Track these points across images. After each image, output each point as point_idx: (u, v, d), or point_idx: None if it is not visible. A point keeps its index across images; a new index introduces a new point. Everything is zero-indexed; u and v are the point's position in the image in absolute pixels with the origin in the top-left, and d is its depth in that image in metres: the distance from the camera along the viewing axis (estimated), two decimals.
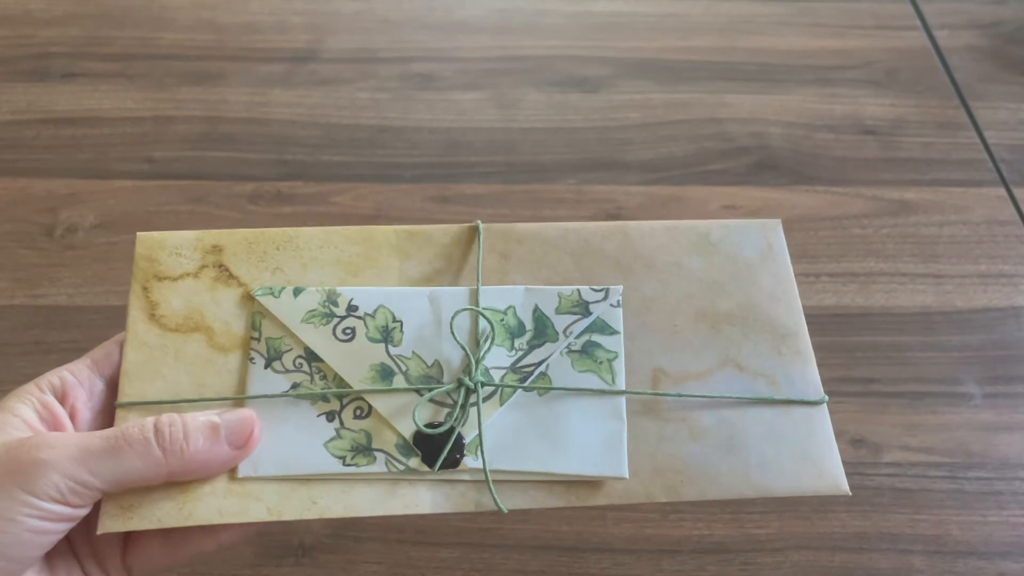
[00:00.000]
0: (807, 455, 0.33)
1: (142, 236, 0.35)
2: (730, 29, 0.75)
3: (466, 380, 0.33)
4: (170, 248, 0.35)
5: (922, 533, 0.48)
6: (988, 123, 0.69)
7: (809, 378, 0.34)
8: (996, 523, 0.49)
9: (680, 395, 0.33)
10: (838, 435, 0.51)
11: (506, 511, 0.32)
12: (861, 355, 0.55)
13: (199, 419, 0.31)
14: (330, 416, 0.33)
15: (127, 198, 0.61)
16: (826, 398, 0.34)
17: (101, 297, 0.56)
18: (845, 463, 0.50)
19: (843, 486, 0.33)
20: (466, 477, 0.32)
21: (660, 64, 0.72)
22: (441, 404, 0.33)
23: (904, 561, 0.47)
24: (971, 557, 0.47)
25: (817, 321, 0.57)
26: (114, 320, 0.54)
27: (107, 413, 0.33)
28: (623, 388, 0.33)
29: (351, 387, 0.33)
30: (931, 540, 0.48)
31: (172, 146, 0.64)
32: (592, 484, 0.32)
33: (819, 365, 0.54)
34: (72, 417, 0.32)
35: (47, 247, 0.58)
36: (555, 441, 0.32)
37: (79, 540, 0.33)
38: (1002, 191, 0.64)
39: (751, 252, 0.36)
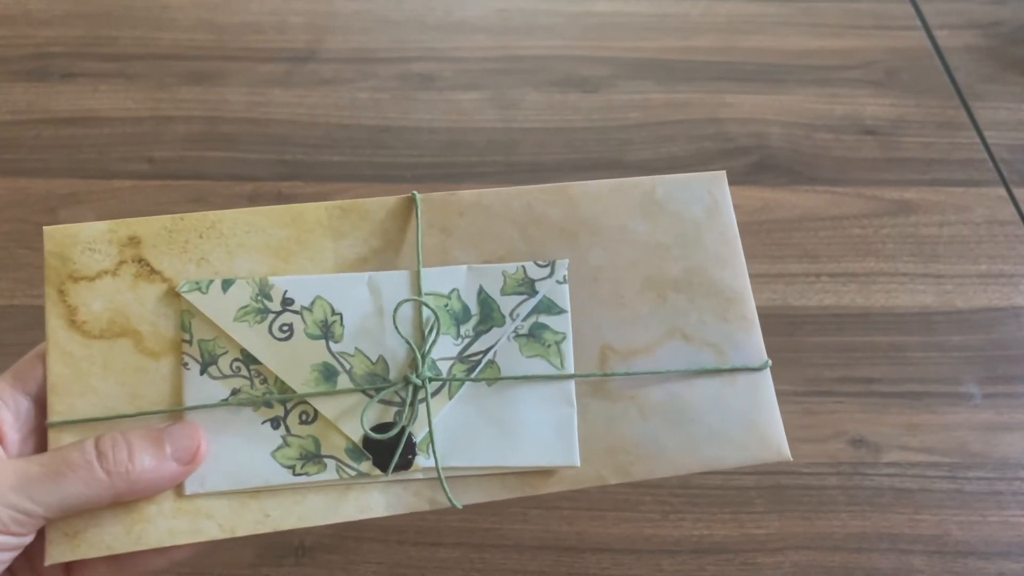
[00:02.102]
0: (752, 424, 0.33)
1: (50, 230, 0.32)
2: (730, 29, 0.75)
3: (413, 377, 0.32)
4: (83, 243, 0.32)
5: (922, 533, 0.48)
6: (988, 123, 0.69)
7: (753, 343, 0.34)
8: (996, 523, 0.49)
9: (628, 373, 0.33)
10: (838, 435, 0.52)
11: (460, 507, 0.32)
12: (861, 355, 0.55)
13: (143, 436, 0.30)
14: (275, 423, 0.32)
15: (127, 198, 0.61)
16: (769, 363, 0.34)
17: None
18: (845, 463, 0.51)
19: (785, 453, 0.33)
20: (419, 476, 0.32)
21: (660, 64, 0.72)
22: (389, 403, 0.32)
23: (904, 561, 0.47)
24: (971, 557, 0.47)
25: (817, 321, 0.57)
26: None
27: (38, 433, 0.31)
28: (572, 371, 0.33)
29: (294, 391, 0.32)
30: (931, 540, 0.48)
31: (172, 146, 0.64)
32: (544, 472, 0.32)
33: (819, 365, 0.55)
34: (0, 440, 0.30)
35: None
36: (506, 433, 0.32)
37: (19, 564, 0.32)
38: (1002, 191, 0.64)
39: (697, 209, 0.35)
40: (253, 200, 0.61)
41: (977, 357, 0.55)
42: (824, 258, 0.60)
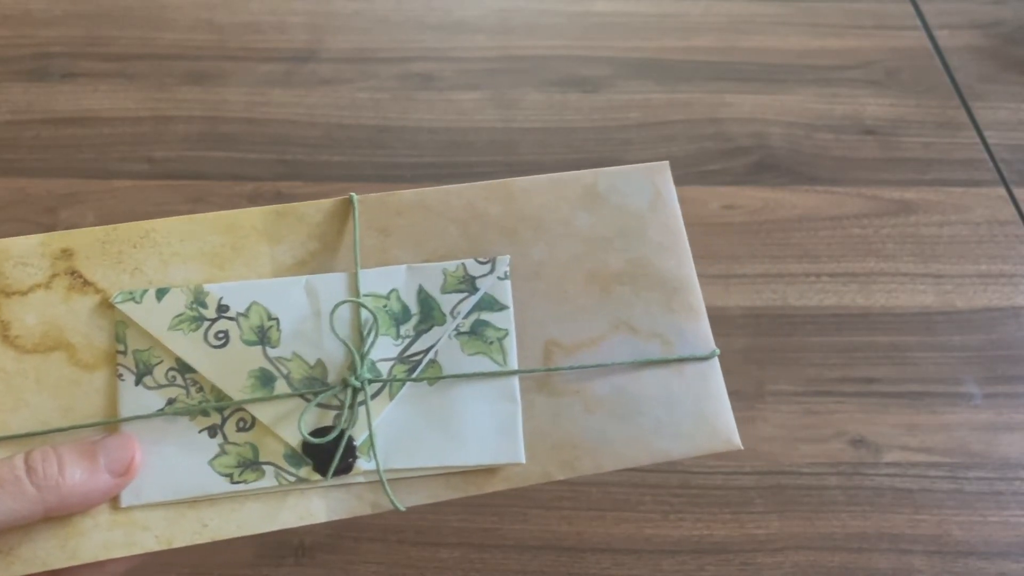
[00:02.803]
0: (701, 414, 0.33)
1: None
2: (730, 29, 0.75)
3: (351, 379, 0.31)
4: (15, 258, 0.32)
5: (922, 533, 0.48)
6: (988, 123, 0.69)
7: (700, 332, 0.34)
8: (996, 523, 0.49)
9: (573, 367, 0.33)
10: (838, 435, 0.52)
11: (403, 509, 0.31)
12: (861, 355, 0.55)
13: (74, 449, 0.29)
14: (212, 431, 0.31)
15: (127, 198, 0.61)
16: (717, 351, 0.34)
17: None
18: (845, 463, 0.51)
19: (735, 442, 0.33)
20: (360, 479, 0.31)
21: (660, 64, 0.72)
22: (327, 407, 0.32)
23: (904, 561, 0.47)
24: (971, 557, 0.47)
25: (817, 321, 0.57)
26: None
27: None
28: (515, 367, 0.33)
29: (230, 398, 0.31)
30: (931, 540, 0.48)
31: (172, 146, 0.64)
32: (489, 470, 0.32)
33: (819, 365, 0.55)
34: None
35: None
36: (449, 432, 0.32)
37: None
38: (1002, 191, 0.64)
39: (640, 201, 0.35)
40: (253, 200, 0.61)
41: (977, 357, 0.55)
42: (824, 258, 0.60)
